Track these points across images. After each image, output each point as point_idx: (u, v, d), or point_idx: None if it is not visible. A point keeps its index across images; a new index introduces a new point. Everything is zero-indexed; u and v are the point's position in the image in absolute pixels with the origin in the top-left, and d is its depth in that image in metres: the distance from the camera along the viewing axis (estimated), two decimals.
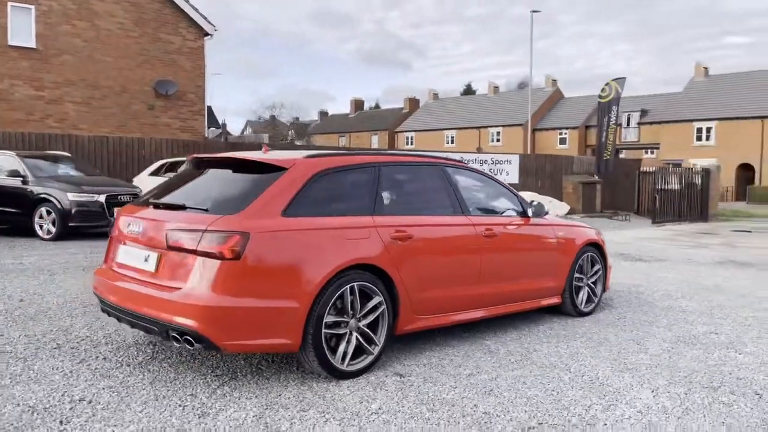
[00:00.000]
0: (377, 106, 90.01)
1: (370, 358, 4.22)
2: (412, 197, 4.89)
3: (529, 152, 47.16)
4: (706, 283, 8.27)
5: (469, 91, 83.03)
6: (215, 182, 4.37)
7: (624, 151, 48.59)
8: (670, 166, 26.49)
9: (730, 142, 41.98)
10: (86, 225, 11.26)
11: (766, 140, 40.77)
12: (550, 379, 4.19)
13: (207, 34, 19.71)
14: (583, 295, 6.09)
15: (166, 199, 4.31)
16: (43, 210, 11.13)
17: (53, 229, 11.00)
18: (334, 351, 4.03)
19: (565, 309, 5.97)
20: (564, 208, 21.58)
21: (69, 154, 13.22)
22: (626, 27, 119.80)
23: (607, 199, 23.03)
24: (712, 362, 4.68)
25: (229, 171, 4.39)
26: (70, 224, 10.99)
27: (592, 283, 6.22)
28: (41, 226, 11.12)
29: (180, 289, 3.76)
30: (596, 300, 6.26)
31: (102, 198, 11.22)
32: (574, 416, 3.57)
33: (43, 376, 4.01)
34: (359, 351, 4.17)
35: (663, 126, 46.24)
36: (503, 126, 55.17)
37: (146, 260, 4.05)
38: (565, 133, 52.51)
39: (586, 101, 54.54)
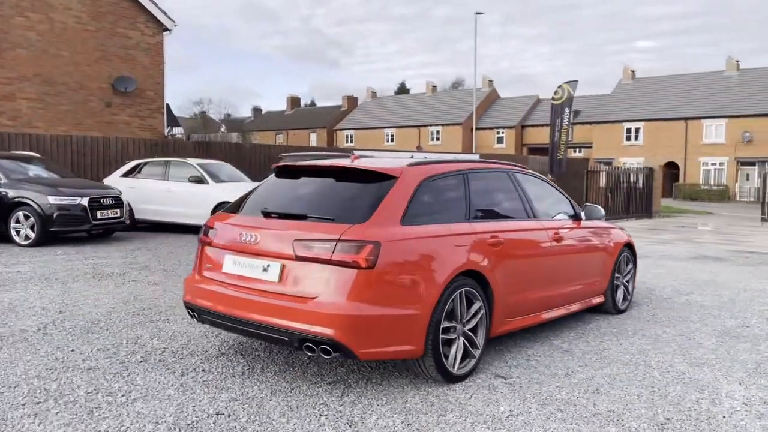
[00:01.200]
0: (313, 104, 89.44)
1: (473, 362, 4.35)
2: (494, 203, 5.04)
3: (473, 151, 48.29)
4: (702, 278, 8.86)
5: (403, 89, 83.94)
6: (323, 191, 4.36)
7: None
8: (610, 165, 27.88)
9: (656, 141, 44.50)
10: (68, 230, 10.80)
11: (690, 140, 43.47)
12: (642, 376, 4.44)
13: (166, 29, 19.07)
14: (620, 293, 6.43)
15: (279, 209, 4.27)
16: (20, 214, 10.54)
17: (32, 235, 10.46)
18: (446, 356, 4.13)
19: (606, 307, 6.29)
20: None
21: (38, 155, 12.53)
22: (545, 29, 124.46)
23: None
24: (764, 353, 5.08)
25: (332, 180, 4.39)
26: (51, 229, 10.49)
27: (626, 281, 6.58)
28: (18, 232, 10.55)
29: (314, 298, 3.76)
30: (630, 298, 6.63)
31: (85, 201, 10.83)
32: (691, 411, 3.83)
33: (155, 392, 3.89)
34: (465, 355, 4.29)
35: (595, 126, 48.41)
36: (442, 125, 56.15)
37: (266, 270, 4.01)
38: (503, 132, 54.06)
39: (522, 101, 56.37)
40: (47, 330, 5.28)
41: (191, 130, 53.11)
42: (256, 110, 79.73)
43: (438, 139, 56.00)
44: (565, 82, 23.45)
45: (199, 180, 12.72)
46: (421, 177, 4.31)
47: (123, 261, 9.11)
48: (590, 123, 48.90)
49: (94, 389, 3.93)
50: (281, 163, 4.82)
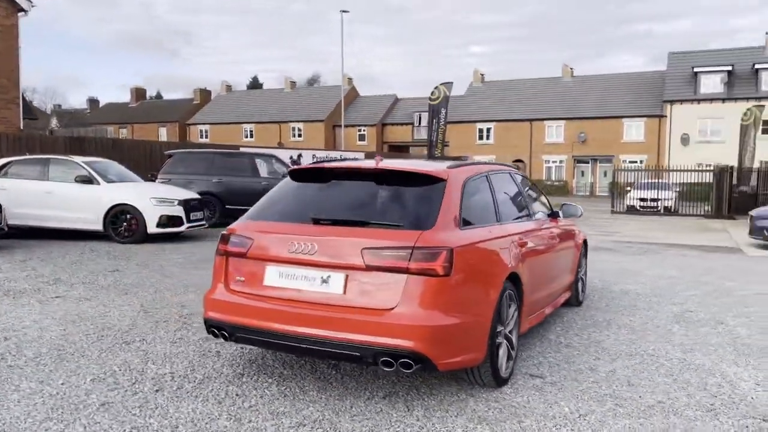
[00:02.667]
0: (159, 96, 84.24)
1: (512, 364, 4.37)
2: (509, 203, 5.08)
3: (334, 148, 48.44)
4: (613, 268, 9.67)
5: (256, 84, 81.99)
6: (367, 195, 4.10)
7: (417, 148, 52.47)
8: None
9: (506, 141, 47.83)
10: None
11: (534, 140, 47.25)
12: (656, 366, 4.75)
13: (22, 10, 16.86)
14: (579, 286, 6.83)
15: (329, 215, 3.96)
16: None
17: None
18: (497, 360, 4.11)
19: (571, 300, 6.64)
20: None
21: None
22: (389, 30, 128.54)
23: None
24: (727, 335, 5.68)
25: (371, 183, 4.13)
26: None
27: (583, 275, 7.00)
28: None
29: (390, 309, 3.54)
30: (585, 290, 7.06)
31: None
32: (722, 395, 4.16)
33: (206, 425, 3.44)
34: (508, 357, 4.30)
35: (451, 126, 50.84)
36: (304, 121, 55.68)
37: (325, 282, 3.71)
38: (365, 130, 54.84)
39: (382, 100, 57.61)
40: (9, 361, 4.45)
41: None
42: (93, 101, 73.30)
43: (300, 135, 55.44)
44: (441, 84, 24.40)
45: (88, 180, 11.41)
46: (463, 179, 4.24)
47: (24, 275, 7.93)
48: (447, 123, 51.29)
49: (133, 428, 3.38)
50: (298, 167, 4.48)
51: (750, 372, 4.64)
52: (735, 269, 10.05)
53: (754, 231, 13.38)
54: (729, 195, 22.46)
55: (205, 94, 65.29)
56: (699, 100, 41.33)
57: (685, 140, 41.43)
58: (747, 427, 3.62)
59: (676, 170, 25.37)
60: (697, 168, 25.24)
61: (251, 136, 57.24)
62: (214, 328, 4.06)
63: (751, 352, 5.17)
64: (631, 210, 24.84)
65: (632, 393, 4.14)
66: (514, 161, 46.74)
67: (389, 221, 3.79)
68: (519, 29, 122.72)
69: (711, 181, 23.47)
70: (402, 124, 54.77)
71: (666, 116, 42.20)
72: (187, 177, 14.61)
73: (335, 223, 3.88)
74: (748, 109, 25.69)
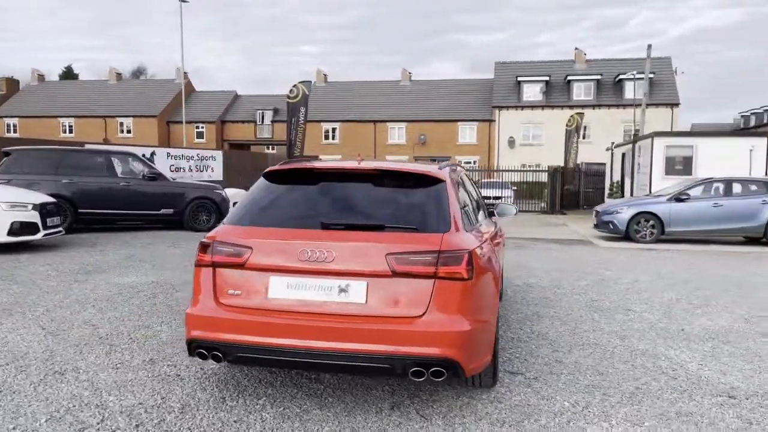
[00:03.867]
0: None
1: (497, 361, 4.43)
2: (475, 204, 5.10)
3: (169, 145, 45.55)
4: (517, 262, 10.22)
5: (70, 74, 74.57)
6: (368, 197, 3.85)
7: (259, 146, 51.28)
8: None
9: (351, 141, 48.55)
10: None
11: (378, 140, 48.55)
12: (609, 354, 5.09)
13: None
14: (504, 281, 7.12)
15: (336, 219, 3.67)
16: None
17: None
18: None
19: (500, 294, 6.89)
20: None
21: None
22: (215, 25, 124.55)
23: None
24: (641, 321, 6.28)
25: (369, 184, 3.90)
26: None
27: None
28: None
29: (419, 317, 3.39)
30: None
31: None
32: (681, 377, 4.58)
33: None
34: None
35: None
36: (134, 116, 51.72)
37: (344, 291, 3.45)
38: (203, 127, 52.33)
39: (220, 96, 55.43)
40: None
41: None
42: None
43: (129, 131, 51.35)
44: (300, 82, 24.05)
45: None
46: (454, 180, 4.20)
47: None
48: (306, 121, 50.88)
49: None
50: (279, 167, 4.11)
51: (687, 354, 5.16)
52: (602, 260, 11.13)
53: (600, 225, 14.95)
54: (561, 193, 24.91)
55: (11, 84, 57.92)
56: (522, 107, 45.33)
57: (511, 143, 45.18)
58: (721, 404, 4.01)
59: (516, 170, 27.53)
60: (532, 168, 27.63)
61: (70, 132, 51.91)
62: (202, 349, 3.60)
63: (672, 335, 5.75)
64: None
65: (608, 382, 4.40)
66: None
67: (404, 224, 3.63)
68: (347, 32, 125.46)
69: (545, 180, 25.81)
70: (244, 121, 53.13)
71: (495, 121, 45.70)
72: (29, 178, 12.83)
73: (349, 228, 3.63)
74: (571, 116, 28.64)
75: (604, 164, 28.08)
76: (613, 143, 26.03)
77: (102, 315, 6.01)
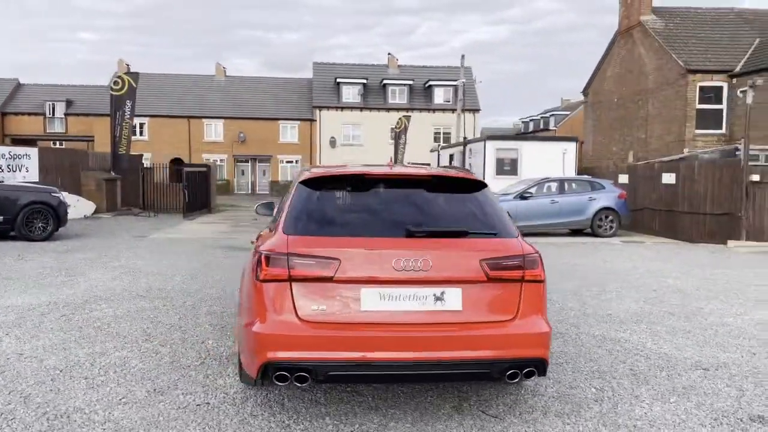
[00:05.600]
0: None
1: None
2: None
3: None
4: None
5: None
6: (433, 203, 3.84)
7: (47, 141, 45.76)
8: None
9: (161, 137, 45.47)
10: None
11: (193, 137, 46.13)
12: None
13: None
14: None
15: (428, 227, 3.59)
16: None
17: None
18: None
19: None
20: (90, 207, 19.97)
21: None
22: None
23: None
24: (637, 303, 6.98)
25: (423, 190, 3.87)
26: None
27: None
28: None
29: (511, 320, 3.49)
30: None
31: None
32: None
33: None
34: None
35: (95, 118, 45.86)
36: None
37: (439, 299, 3.42)
38: None
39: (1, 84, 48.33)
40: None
41: None
42: None
43: None
44: (125, 73, 22.16)
45: None
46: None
47: None
48: (88, 115, 46.13)
49: None
50: (320, 174, 3.88)
51: (637, 335, 5.89)
52: None
53: None
54: None
55: None
56: (342, 108, 46.35)
57: (332, 143, 45.98)
58: (704, 377, 4.69)
59: None
60: None
61: None
62: (284, 371, 3.30)
63: (608, 320, 6.49)
64: None
65: (605, 367, 4.87)
66: (172, 160, 44.79)
67: (485, 230, 3.69)
68: (133, 20, 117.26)
69: None
70: (30, 114, 46.94)
71: (316, 120, 46.12)
72: None
73: (433, 234, 3.58)
74: (399, 119, 30.13)
75: (427, 164, 29.91)
76: (439, 144, 27.92)
77: (33, 343, 5.09)
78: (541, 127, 66.99)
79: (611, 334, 5.87)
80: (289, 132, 46.54)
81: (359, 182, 3.88)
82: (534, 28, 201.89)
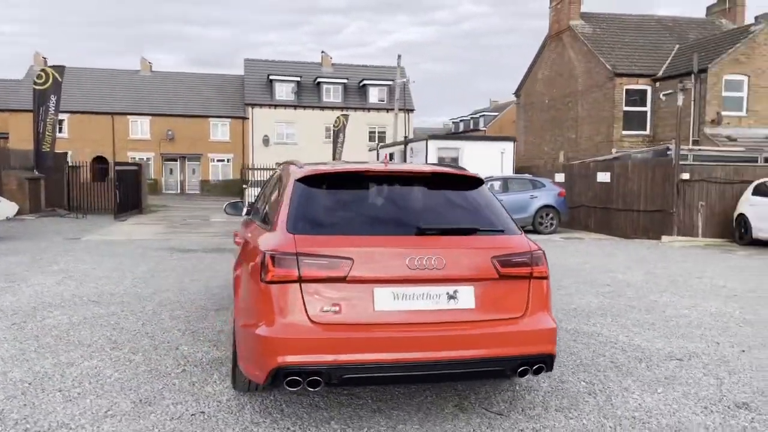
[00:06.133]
0: None
1: None
2: None
3: None
4: None
5: None
6: (436, 200, 3.79)
7: None
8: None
9: (83, 134, 43.29)
10: None
11: (117, 135, 44.17)
12: None
13: None
14: None
15: (438, 224, 3.52)
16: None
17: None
18: None
19: None
20: (13, 208, 18.66)
21: None
22: None
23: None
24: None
25: (424, 187, 3.80)
26: None
27: None
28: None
29: (521, 317, 3.49)
30: None
31: None
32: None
33: None
34: None
35: (9, 114, 43.14)
36: None
37: (453, 297, 3.37)
38: None
39: None
40: None
41: None
42: None
43: None
44: (50, 66, 20.86)
45: None
46: None
47: None
48: (4, 110, 43.28)
49: None
50: (318, 171, 3.76)
51: (607, 329, 6.06)
52: None
53: None
54: None
55: None
56: (275, 106, 45.61)
57: (266, 141, 45.18)
58: (681, 366, 4.88)
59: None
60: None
61: None
62: (295, 375, 3.16)
63: (575, 314, 6.66)
64: None
65: (588, 360, 4.99)
66: (94, 158, 42.75)
67: (492, 227, 3.67)
68: (41, 11, 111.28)
69: None
70: None
71: (249, 118, 45.16)
72: None
73: (444, 232, 3.52)
74: (337, 117, 29.96)
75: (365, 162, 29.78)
76: (378, 143, 27.89)
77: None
78: (471, 127, 68.41)
79: (583, 328, 6.01)
80: (220, 130, 45.36)
81: (360, 180, 3.79)
82: (461, 30, 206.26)
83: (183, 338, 5.37)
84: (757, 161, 15.41)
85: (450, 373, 3.43)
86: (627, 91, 24.29)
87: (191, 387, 4.12)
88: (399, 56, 33.04)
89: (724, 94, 21.67)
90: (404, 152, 23.20)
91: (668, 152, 15.28)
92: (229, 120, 45.30)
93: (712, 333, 5.92)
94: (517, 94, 32.08)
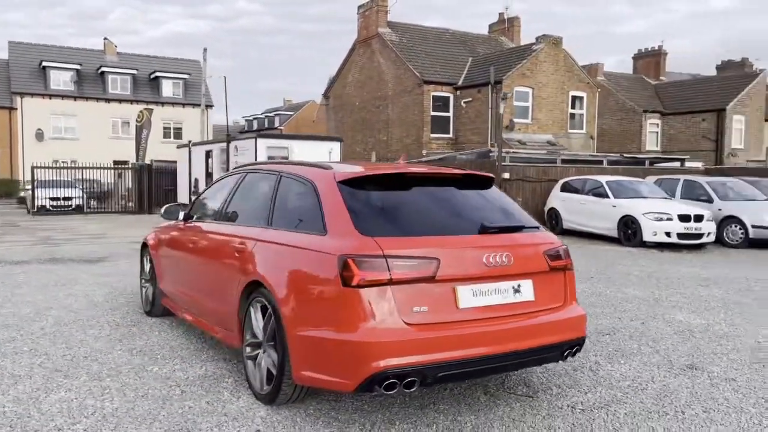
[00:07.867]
0: None
1: None
2: None
3: None
4: None
5: None
6: (470, 200, 4.00)
7: None
8: None
9: None
10: None
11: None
12: None
13: None
14: None
15: (499, 223, 3.77)
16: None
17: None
18: None
19: None
20: None
21: None
22: None
23: None
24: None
25: (454, 188, 4.00)
26: None
27: None
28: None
29: (561, 306, 3.84)
30: None
31: None
32: None
33: None
34: None
35: None
36: None
37: (518, 291, 3.64)
38: None
39: None
40: None
41: None
42: None
43: None
44: None
45: None
46: None
47: None
48: None
49: None
50: (365, 174, 3.74)
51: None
52: None
53: None
54: (149, 191, 23.99)
55: None
56: (51, 96, 40.46)
57: (39, 135, 39.85)
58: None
59: (94, 167, 24.78)
60: (116, 166, 25.58)
61: None
62: (394, 378, 3.14)
63: None
64: (43, 210, 23.01)
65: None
66: None
67: (529, 224, 3.96)
68: None
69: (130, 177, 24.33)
70: None
71: (17, 109, 39.41)
72: None
73: (501, 231, 3.72)
74: (140, 112, 27.64)
75: (173, 162, 27.92)
76: (190, 141, 26.37)
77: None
78: (266, 125, 67.89)
79: None
80: None
81: (401, 181, 3.84)
82: (237, 26, 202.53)
83: (136, 358, 4.77)
84: (556, 162, 17.90)
85: (521, 362, 3.66)
86: (433, 97, 26.35)
87: (208, 406, 3.76)
88: (205, 49, 31.56)
89: (515, 103, 24.69)
90: (227, 150, 22.34)
91: (490, 154, 17.02)
92: None
93: (626, 307, 6.93)
94: (326, 95, 32.78)
